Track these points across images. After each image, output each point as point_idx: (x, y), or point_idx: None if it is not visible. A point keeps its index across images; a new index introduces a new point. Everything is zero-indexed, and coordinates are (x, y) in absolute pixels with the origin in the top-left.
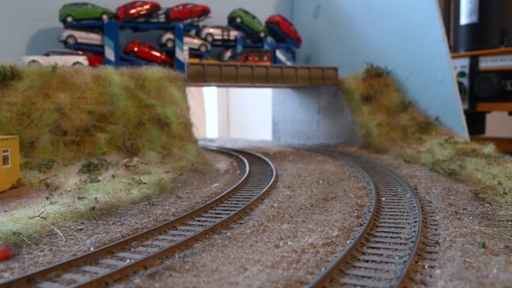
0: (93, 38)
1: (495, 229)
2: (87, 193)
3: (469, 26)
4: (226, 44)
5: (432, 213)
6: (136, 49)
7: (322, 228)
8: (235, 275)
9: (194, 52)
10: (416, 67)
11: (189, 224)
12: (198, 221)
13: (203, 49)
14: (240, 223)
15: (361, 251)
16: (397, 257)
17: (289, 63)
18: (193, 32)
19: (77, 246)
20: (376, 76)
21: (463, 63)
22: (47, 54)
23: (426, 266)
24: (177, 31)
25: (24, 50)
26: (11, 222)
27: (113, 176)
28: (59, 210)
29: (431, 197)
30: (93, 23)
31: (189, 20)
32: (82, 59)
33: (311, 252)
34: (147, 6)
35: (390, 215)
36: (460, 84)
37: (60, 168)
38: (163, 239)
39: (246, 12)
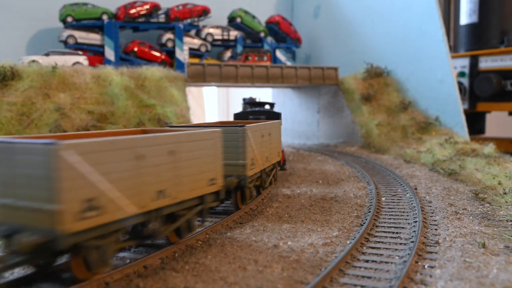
0: (93, 38)
1: (495, 229)
2: None
3: (469, 26)
4: (226, 44)
5: (432, 213)
6: (136, 49)
7: (321, 228)
8: (234, 275)
9: (194, 52)
10: (416, 67)
11: None
12: (198, 221)
13: (203, 49)
14: (240, 223)
15: (361, 251)
16: (397, 257)
17: (289, 63)
18: (193, 32)
19: None
20: (376, 76)
21: (463, 63)
22: (47, 54)
23: (426, 266)
24: (177, 31)
25: (24, 50)
26: None
27: None
28: None
29: (431, 197)
30: (93, 23)
31: (189, 20)
32: (82, 59)
33: (311, 252)
34: (147, 6)
35: (390, 215)
36: (460, 84)
37: None
38: None
39: (246, 12)
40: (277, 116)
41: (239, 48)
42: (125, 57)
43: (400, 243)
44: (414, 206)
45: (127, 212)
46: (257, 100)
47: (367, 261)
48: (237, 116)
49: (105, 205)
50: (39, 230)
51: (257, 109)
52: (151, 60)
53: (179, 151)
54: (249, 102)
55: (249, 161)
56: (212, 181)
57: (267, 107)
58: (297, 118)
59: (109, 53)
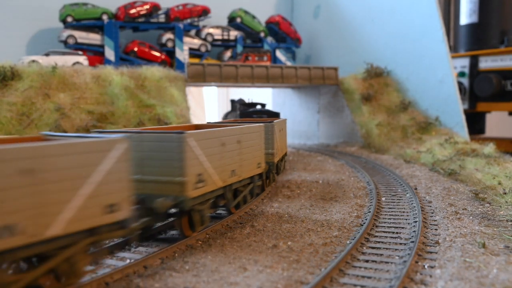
0: (93, 38)
1: (495, 229)
2: None
3: (469, 26)
4: (226, 44)
5: (432, 213)
6: (136, 49)
7: (321, 228)
8: (234, 275)
9: (194, 52)
10: (416, 67)
11: None
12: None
13: (203, 49)
14: (240, 223)
15: (361, 251)
16: (397, 257)
17: (289, 63)
18: (193, 32)
19: None
20: (376, 76)
21: (463, 63)
22: (47, 54)
23: (426, 266)
24: (177, 31)
25: (24, 50)
26: None
27: None
28: None
29: (431, 197)
30: (93, 23)
31: (189, 20)
32: (82, 59)
33: (311, 252)
34: (147, 6)
35: (390, 215)
36: (460, 84)
37: None
38: None
39: (246, 12)
40: (277, 115)
41: (239, 48)
42: (125, 57)
43: (400, 243)
44: (414, 206)
45: (217, 185)
46: (247, 101)
47: (367, 261)
48: (242, 115)
49: (207, 179)
50: (169, 197)
51: (258, 109)
52: (151, 60)
53: (242, 140)
54: (244, 103)
55: (275, 150)
56: (259, 165)
57: (258, 107)
58: (297, 118)
59: (109, 53)
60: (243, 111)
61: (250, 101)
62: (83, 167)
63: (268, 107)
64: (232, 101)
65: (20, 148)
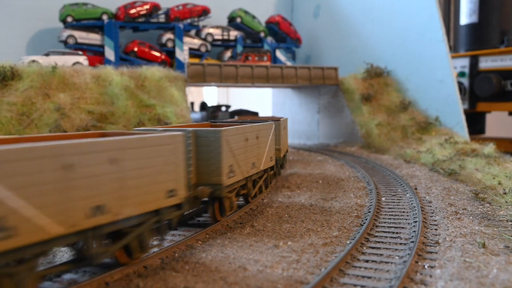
0: (93, 38)
1: (495, 229)
2: None
3: (469, 26)
4: (226, 44)
5: (432, 213)
6: (136, 49)
7: (321, 228)
8: (234, 275)
9: (194, 52)
10: (416, 67)
11: (190, 224)
12: (198, 221)
13: (203, 49)
14: (240, 223)
15: (361, 251)
16: (397, 257)
17: (289, 63)
18: (193, 32)
19: None
20: (376, 76)
21: (463, 63)
22: (47, 54)
23: (426, 266)
24: (177, 31)
25: (24, 50)
26: None
27: None
28: None
29: (431, 197)
30: (93, 23)
31: (189, 20)
32: (82, 59)
33: (311, 252)
34: (147, 6)
35: (390, 215)
36: (460, 84)
37: None
38: None
39: (246, 12)
40: (256, 113)
41: (239, 48)
42: (125, 57)
43: (400, 243)
44: (414, 206)
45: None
46: (215, 104)
47: (367, 261)
48: (234, 113)
49: (281, 149)
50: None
51: (245, 109)
52: (151, 60)
53: (285, 127)
54: (213, 106)
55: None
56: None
57: (223, 108)
58: (297, 118)
59: (109, 53)
60: (235, 110)
61: (217, 104)
62: (267, 134)
63: (267, 107)
64: (192, 103)
65: (258, 125)
